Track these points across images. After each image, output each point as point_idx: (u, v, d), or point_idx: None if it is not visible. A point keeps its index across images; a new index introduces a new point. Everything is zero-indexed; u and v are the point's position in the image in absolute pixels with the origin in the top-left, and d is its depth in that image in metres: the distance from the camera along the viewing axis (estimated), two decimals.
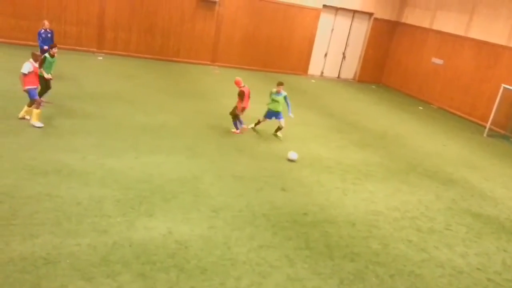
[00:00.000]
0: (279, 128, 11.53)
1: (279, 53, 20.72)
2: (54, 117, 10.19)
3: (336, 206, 8.26)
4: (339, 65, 22.48)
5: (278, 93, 11.20)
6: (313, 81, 20.78)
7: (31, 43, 16.17)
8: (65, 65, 15.15)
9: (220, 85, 16.54)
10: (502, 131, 16.23)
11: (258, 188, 8.49)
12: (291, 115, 11.35)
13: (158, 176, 8.26)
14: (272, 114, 11.37)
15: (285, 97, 11.20)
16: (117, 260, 5.69)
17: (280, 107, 11.23)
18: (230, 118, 11.54)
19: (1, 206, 6.36)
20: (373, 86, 22.01)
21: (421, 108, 18.76)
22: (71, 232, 6.11)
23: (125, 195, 7.34)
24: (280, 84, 11.19)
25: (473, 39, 17.93)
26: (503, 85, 15.42)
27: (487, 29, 17.36)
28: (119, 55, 17.99)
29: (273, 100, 11.21)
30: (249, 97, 11.39)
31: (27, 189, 6.96)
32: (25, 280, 5.07)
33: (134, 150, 9.27)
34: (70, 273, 5.31)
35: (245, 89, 11.24)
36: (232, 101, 14.38)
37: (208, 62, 19.59)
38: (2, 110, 10.02)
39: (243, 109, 11.31)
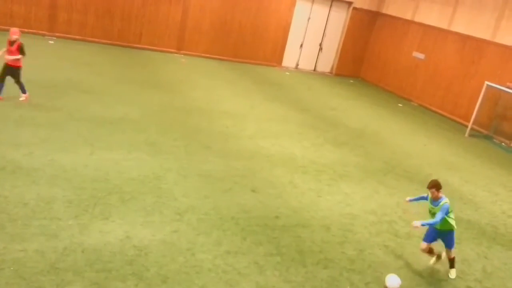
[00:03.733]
0: (439, 257, 7.41)
1: (252, 43, 20.72)
2: None
3: (309, 209, 8.36)
4: (316, 57, 22.71)
5: (435, 200, 6.85)
6: (287, 73, 20.92)
7: None
8: None
9: (187, 75, 16.40)
10: (484, 131, 16.82)
11: (227, 189, 8.48)
12: (450, 275, 7.25)
13: (115, 174, 8.13)
14: (436, 234, 7.06)
15: (441, 206, 6.77)
16: (68, 268, 5.56)
17: (449, 224, 6.94)
18: (198, 112, 11.47)
19: None
20: (351, 81, 22.36)
21: (400, 105, 19.20)
22: (16, 236, 5.92)
23: (78, 196, 7.18)
24: (434, 187, 6.77)
25: (456, 33, 18.46)
26: (486, 82, 15.97)
27: (472, 23, 17.92)
28: (73, 39, 17.54)
29: (430, 213, 7.01)
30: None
31: None
32: None
33: (89, 145, 9.08)
34: (15, 281, 5.15)
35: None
36: (201, 93, 14.34)
37: (174, 50, 19.38)
38: None
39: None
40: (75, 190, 7.33)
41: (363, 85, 21.85)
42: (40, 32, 17.10)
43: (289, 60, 22.09)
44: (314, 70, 22.85)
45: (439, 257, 7.38)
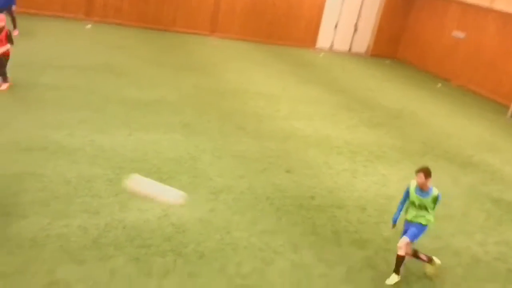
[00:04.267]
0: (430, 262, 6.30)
1: (285, 24, 20.51)
2: (37, 89, 10.18)
3: (345, 190, 8.31)
4: (351, 38, 22.27)
5: (422, 189, 5.90)
6: (321, 54, 20.64)
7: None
8: (49, 33, 15.06)
9: (220, 58, 16.45)
10: None
11: (261, 169, 8.53)
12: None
13: (153, 154, 8.30)
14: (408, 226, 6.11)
15: (435, 199, 5.88)
16: (110, 243, 5.76)
17: (425, 217, 5.94)
18: (231, 94, 11.53)
19: None
20: (388, 61, 21.85)
21: (439, 85, 18.66)
22: (59, 212, 6.17)
23: (117, 175, 7.38)
24: (423, 171, 5.82)
25: (498, 11, 17.68)
26: None
27: None
28: (109, 23, 17.83)
29: (414, 204, 5.98)
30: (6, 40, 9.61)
31: (11, 168, 7.00)
32: (10, 263, 5.14)
33: (127, 126, 9.28)
34: (60, 256, 5.38)
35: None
36: (234, 75, 14.37)
37: (207, 33, 19.42)
38: None
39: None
40: (115, 169, 7.54)
41: (399, 66, 21.33)
42: (78, 17, 17.46)
43: (323, 41, 21.76)
44: (349, 51, 22.44)
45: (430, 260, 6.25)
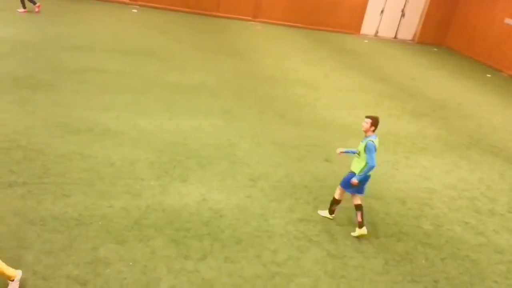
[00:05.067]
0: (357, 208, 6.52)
1: (328, 9, 20.17)
2: (86, 72, 10.50)
3: (384, 181, 8.19)
4: (397, 24, 21.66)
5: (365, 134, 6.32)
6: (366, 41, 20.19)
7: None
8: (97, 16, 15.45)
9: (262, 43, 16.40)
10: None
11: (300, 157, 8.51)
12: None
13: (193, 139, 8.44)
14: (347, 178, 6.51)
15: (366, 146, 6.20)
16: (150, 225, 5.94)
17: (359, 164, 6.36)
18: (272, 80, 11.49)
19: (33, 164, 6.73)
20: (435, 49, 21.13)
21: (489, 75, 17.89)
22: (104, 193, 6.40)
23: (158, 158, 7.57)
24: (371, 118, 6.26)
25: None
26: None
27: None
28: (154, 7, 18.10)
29: (358, 153, 6.41)
30: None
31: (59, 147, 7.31)
32: (56, 240, 5.40)
33: (168, 110, 9.46)
34: (102, 235, 5.61)
35: None
36: (276, 61, 14.31)
37: (250, 18, 19.38)
38: (33, 61, 10.41)
39: None
40: (156, 153, 7.72)
41: (447, 54, 20.58)
42: (124, 0, 17.80)
43: (368, 27, 21.28)
44: (395, 37, 21.85)
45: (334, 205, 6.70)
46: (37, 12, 14.34)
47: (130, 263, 5.27)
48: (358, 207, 6.42)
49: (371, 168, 6.15)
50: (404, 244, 6.53)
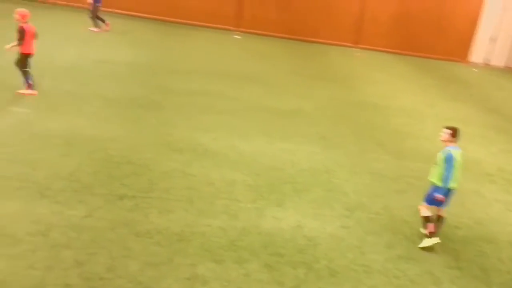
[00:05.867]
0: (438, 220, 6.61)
1: (433, 36, 19.49)
2: (190, 94, 11.11)
3: (497, 223, 7.55)
4: (510, 52, 20.22)
5: (445, 144, 6.46)
6: (475, 70, 19.09)
7: (173, 19, 17.82)
8: (202, 42, 16.38)
9: (362, 70, 16.22)
10: None
11: (400, 190, 8.18)
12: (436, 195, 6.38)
13: (289, 164, 8.49)
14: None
15: (446, 158, 6.34)
16: (245, 247, 6.03)
17: (438, 174, 6.45)
18: (371, 108, 11.31)
19: (141, 179, 7.20)
20: None
21: None
22: (203, 211, 6.65)
23: (255, 181, 7.71)
24: (451, 129, 6.45)
25: None
26: None
27: None
28: (256, 34, 18.75)
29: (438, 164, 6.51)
30: (33, 38, 9.46)
31: (164, 165, 7.76)
32: (159, 253, 5.68)
33: (266, 134, 9.65)
34: (201, 252, 5.80)
35: (27, 26, 9.27)
36: (376, 88, 14.04)
37: (350, 44, 19.31)
38: (146, 82, 11.25)
39: (27, 55, 9.44)
40: (253, 176, 7.88)
41: None
42: (227, 27, 18.69)
43: (477, 54, 20.17)
44: (507, 66, 20.39)
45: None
46: (106, 30, 15.40)
47: (225, 283, 5.37)
48: (441, 219, 6.52)
49: (446, 180, 6.24)
50: None
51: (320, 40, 19.05)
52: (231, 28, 18.62)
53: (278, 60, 15.76)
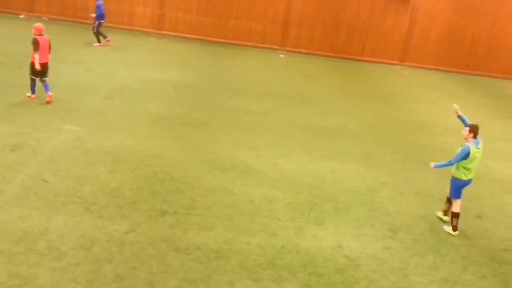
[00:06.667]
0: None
1: (486, 53, 18.78)
2: (233, 112, 11.25)
3: None
4: None
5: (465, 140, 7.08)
6: None
7: (220, 39, 18.26)
8: (247, 61, 16.60)
9: (409, 88, 15.86)
10: None
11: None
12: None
13: (331, 183, 8.37)
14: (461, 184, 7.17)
15: (462, 149, 7.00)
16: (284, 266, 5.96)
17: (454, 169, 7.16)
18: (418, 127, 10.99)
19: (183, 196, 7.31)
20: None
21: None
22: (242, 229, 6.65)
23: (295, 199, 7.64)
24: (471, 126, 7.03)
25: None
26: None
27: None
28: (300, 52, 18.80)
29: (464, 168, 7.07)
30: (48, 49, 10.04)
31: (206, 182, 7.85)
32: (197, 270, 5.71)
33: (308, 153, 9.57)
34: (239, 270, 5.78)
35: (41, 38, 9.88)
36: (423, 107, 13.65)
37: (396, 62, 18.95)
38: (191, 101, 11.51)
39: (42, 65, 9.92)
40: (293, 194, 7.82)
41: None
42: (273, 47, 18.87)
43: None
44: None
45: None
46: (107, 45, 15.61)
47: None
48: (456, 215, 7.05)
49: (450, 164, 6.99)
50: None
51: (365, 58, 18.82)
52: (276, 47, 18.78)
53: (322, 78, 15.70)
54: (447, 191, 7.36)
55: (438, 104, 14.16)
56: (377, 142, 10.63)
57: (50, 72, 10.29)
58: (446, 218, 7.43)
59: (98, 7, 15.28)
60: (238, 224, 6.78)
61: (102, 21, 15.48)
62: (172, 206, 6.96)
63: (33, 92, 10.25)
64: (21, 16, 17.52)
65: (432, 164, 7.23)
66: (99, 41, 15.61)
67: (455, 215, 7.07)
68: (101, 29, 15.51)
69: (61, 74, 11.90)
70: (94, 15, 15.37)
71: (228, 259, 5.95)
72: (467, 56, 18.83)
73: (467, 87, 16.85)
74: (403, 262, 6.33)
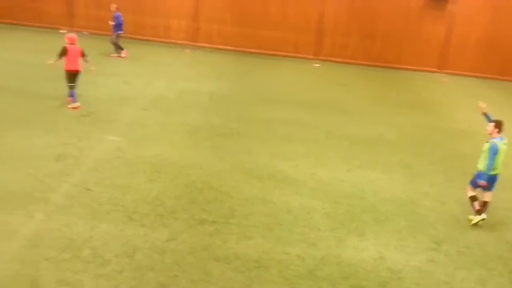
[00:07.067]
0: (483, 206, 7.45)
1: None
2: (269, 122, 11.26)
3: None
4: None
5: (490, 136, 7.39)
6: None
7: (254, 50, 18.39)
8: (281, 71, 16.62)
9: (448, 95, 15.49)
10: None
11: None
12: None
13: (370, 193, 8.23)
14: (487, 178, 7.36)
15: (490, 147, 7.21)
16: (324, 277, 5.88)
17: (483, 162, 7.38)
18: (459, 135, 10.71)
19: (222, 205, 7.35)
20: None
21: None
22: (281, 239, 6.62)
23: (334, 209, 7.56)
24: (496, 122, 7.35)
25: None
26: None
27: None
28: (335, 61, 18.68)
29: (483, 150, 7.45)
30: (79, 56, 10.52)
31: (244, 191, 7.87)
32: (237, 279, 5.71)
33: (346, 162, 9.47)
34: (279, 280, 5.74)
35: (71, 47, 10.44)
36: (464, 115, 13.30)
37: (434, 69, 18.56)
38: (227, 112, 11.60)
39: (69, 71, 10.47)
40: (332, 204, 7.73)
41: None
42: (307, 56, 18.83)
43: None
44: None
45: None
46: (123, 57, 15.77)
47: None
48: (485, 203, 7.29)
49: (490, 169, 7.06)
50: None
51: (402, 66, 18.50)
52: (311, 57, 18.74)
53: (358, 87, 15.54)
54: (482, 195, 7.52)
55: (479, 112, 13.73)
56: (417, 151, 10.41)
57: (89, 84, 10.63)
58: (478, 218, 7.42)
59: (116, 18, 15.65)
60: (277, 233, 6.74)
61: (121, 32, 15.85)
62: (211, 215, 7.01)
63: (74, 100, 10.61)
64: (61, 31, 18.17)
65: (482, 183, 7.25)
66: (122, 49, 15.90)
67: (482, 202, 7.39)
68: (119, 40, 15.91)
69: (99, 86, 12.25)
70: (112, 23, 15.69)
71: (267, 269, 5.93)
72: (507, 62, 18.26)
73: (510, 94, 16.32)
74: (449, 275, 6.14)
